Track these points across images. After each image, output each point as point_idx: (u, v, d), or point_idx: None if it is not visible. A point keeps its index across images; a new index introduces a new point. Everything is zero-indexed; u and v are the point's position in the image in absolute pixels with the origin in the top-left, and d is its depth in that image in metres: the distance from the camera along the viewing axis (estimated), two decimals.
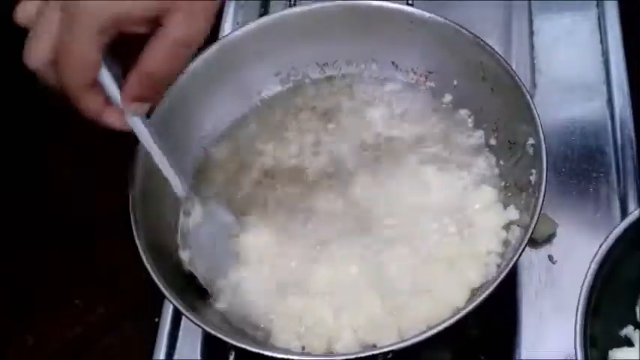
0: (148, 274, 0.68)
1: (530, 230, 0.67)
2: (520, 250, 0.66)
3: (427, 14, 0.79)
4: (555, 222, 0.81)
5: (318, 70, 0.86)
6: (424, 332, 0.63)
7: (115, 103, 0.61)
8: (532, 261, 0.80)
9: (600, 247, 0.64)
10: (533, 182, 0.71)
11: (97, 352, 0.82)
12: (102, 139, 0.94)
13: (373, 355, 0.64)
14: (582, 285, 0.63)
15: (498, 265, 0.71)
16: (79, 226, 0.89)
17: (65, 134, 0.96)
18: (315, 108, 0.85)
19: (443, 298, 0.70)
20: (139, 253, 0.69)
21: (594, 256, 0.64)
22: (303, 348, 0.70)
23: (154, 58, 0.58)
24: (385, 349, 0.64)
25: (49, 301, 0.85)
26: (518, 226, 0.72)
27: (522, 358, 0.75)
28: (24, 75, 0.99)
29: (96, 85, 0.59)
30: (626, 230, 0.65)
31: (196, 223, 0.75)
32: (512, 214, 0.73)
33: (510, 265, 0.66)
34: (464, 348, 0.75)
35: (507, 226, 0.73)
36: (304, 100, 0.86)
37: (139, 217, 0.72)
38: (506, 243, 0.73)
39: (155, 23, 0.57)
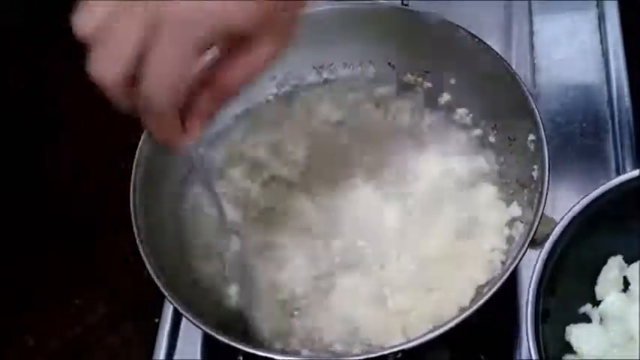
0: (149, 274, 0.68)
1: (535, 227, 0.67)
2: (524, 248, 0.66)
3: (422, 14, 0.80)
4: (555, 221, 0.81)
5: (315, 73, 0.86)
6: (433, 331, 0.63)
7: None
8: (532, 260, 0.80)
9: (555, 226, 0.66)
10: (535, 178, 0.71)
11: (97, 352, 0.82)
12: (102, 139, 0.94)
13: (384, 356, 0.64)
14: (536, 263, 0.64)
15: (503, 262, 0.71)
16: (79, 226, 0.89)
17: (65, 134, 0.97)
18: (311, 111, 0.85)
19: (449, 297, 0.70)
20: (139, 253, 0.69)
21: (550, 236, 0.66)
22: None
23: (235, 77, 0.54)
24: (395, 349, 0.64)
25: (49, 301, 0.85)
26: (521, 222, 0.72)
27: (522, 358, 0.75)
28: (23, 75, 0.99)
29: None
30: (582, 210, 0.67)
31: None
32: (515, 210, 0.74)
33: (516, 263, 0.66)
34: (464, 348, 0.75)
35: (511, 223, 0.73)
36: (301, 103, 0.86)
37: (139, 218, 0.72)
38: (509, 240, 0.73)
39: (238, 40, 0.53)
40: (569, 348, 0.68)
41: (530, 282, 0.64)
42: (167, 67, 0.49)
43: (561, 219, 0.66)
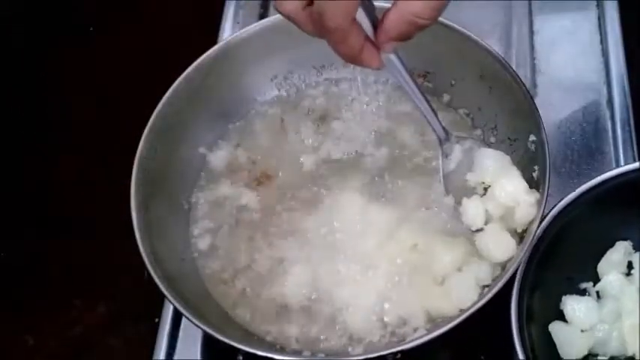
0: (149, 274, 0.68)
1: (536, 226, 0.67)
2: (526, 248, 0.67)
3: None
4: None
5: (315, 72, 0.86)
6: (433, 331, 0.64)
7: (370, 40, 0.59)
8: None
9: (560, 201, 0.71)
10: (535, 179, 0.71)
11: (97, 352, 0.82)
12: (102, 139, 0.94)
13: (383, 356, 0.64)
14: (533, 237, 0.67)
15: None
16: (80, 226, 0.89)
17: (65, 135, 0.96)
18: (312, 111, 0.85)
19: (455, 295, 0.70)
20: (139, 253, 0.69)
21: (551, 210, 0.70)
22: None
23: None
24: (395, 349, 0.64)
25: (49, 301, 0.85)
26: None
27: (522, 358, 0.74)
28: (25, 75, 1.00)
29: (355, 24, 0.57)
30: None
31: (458, 162, 0.73)
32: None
33: (516, 264, 0.66)
34: (464, 348, 0.75)
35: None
36: (301, 103, 0.86)
37: (139, 218, 0.72)
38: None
39: None
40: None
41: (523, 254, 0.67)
42: None
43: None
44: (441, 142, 0.72)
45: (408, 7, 0.56)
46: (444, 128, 0.71)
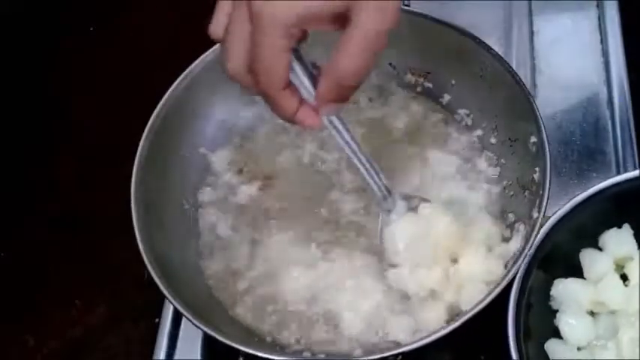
0: (149, 273, 0.68)
1: (537, 226, 0.67)
2: (527, 249, 0.67)
3: (423, 14, 0.79)
4: None
5: (316, 73, 0.86)
6: (434, 333, 0.64)
7: (309, 101, 0.60)
8: None
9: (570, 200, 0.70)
10: (536, 180, 0.71)
11: (97, 352, 0.82)
12: (102, 139, 0.94)
13: (384, 357, 0.64)
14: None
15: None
16: (80, 226, 0.89)
17: (66, 134, 0.96)
18: None
19: (453, 298, 0.70)
20: (139, 253, 0.69)
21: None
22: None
23: (347, 55, 0.56)
24: (396, 351, 0.64)
25: (49, 301, 0.85)
26: (522, 224, 0.72)
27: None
28: (25, 75, 1.00)
29: (290, 86, 0.59)
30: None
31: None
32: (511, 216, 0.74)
33: (517, 265, 0.66)
34: (464, 349, 0.75)
35: (512, 225, 0.74)
36: None
37: (139, 218, 0.72)
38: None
39: (340, 21, 0.56)
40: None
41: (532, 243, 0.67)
42: (264, 56, 0.56)
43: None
44: (380, 199, 0.70)
45: (332, 71, 0.57)
46: (385, 186, 0.69)
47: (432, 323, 0.69)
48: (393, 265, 0.71)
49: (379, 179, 0.69)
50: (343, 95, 0.59)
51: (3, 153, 0.96)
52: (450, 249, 0.71)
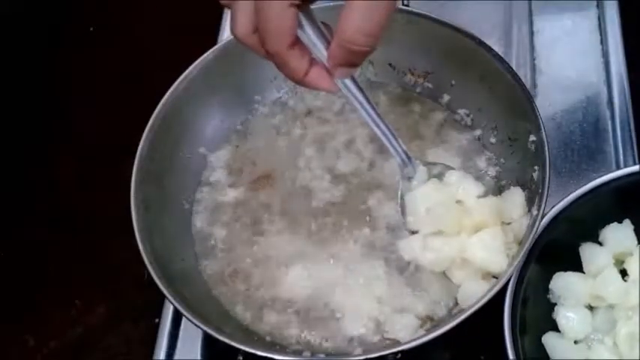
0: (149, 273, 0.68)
1: (537, 225, 0.67)
2: (526, 248, 0.67)
3: (423, 15, 0.79)
4: None
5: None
6: (433, 331, 0.64)
7: (321, 62, 0.59)
8: None
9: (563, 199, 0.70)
10: (535, 179, 0.71)
11: (97, 352, 0.82)
12: (102, 139, 0.94)
13: (383, 356, 0.64)
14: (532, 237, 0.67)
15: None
16: (80, 226, 0.89)
17: (66, 134, 0.96)
18: (311, 112, 0.85)
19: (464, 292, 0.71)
20: (139, 253, 0.69)
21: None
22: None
23: (353, 19, 0.55)
24: (395, 349, 0.64)
25: (49, 301, 0.85)
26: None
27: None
28: (25, 75, 1.00)
29: (299, 46, 0.58)
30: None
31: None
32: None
33: (516, 264, 0.66)
34: (464, 348, 0.75)
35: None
36: (301, 105, 0.86)
37: (139, 218, 0.72)
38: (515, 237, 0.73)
39: None
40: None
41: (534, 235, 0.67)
42: (269, 17, 0.56)
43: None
44: (401, 165, 0.71)
45: (342, 34, 0.56)
46: (405, 152, 0.70)
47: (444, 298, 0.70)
48: (414, 232, 0.70)
49: (398, 144, 0.69)
50: (353, 60, 0.58)
51: (3, 153, 0.96)
52: (475, 219, 0.70)
